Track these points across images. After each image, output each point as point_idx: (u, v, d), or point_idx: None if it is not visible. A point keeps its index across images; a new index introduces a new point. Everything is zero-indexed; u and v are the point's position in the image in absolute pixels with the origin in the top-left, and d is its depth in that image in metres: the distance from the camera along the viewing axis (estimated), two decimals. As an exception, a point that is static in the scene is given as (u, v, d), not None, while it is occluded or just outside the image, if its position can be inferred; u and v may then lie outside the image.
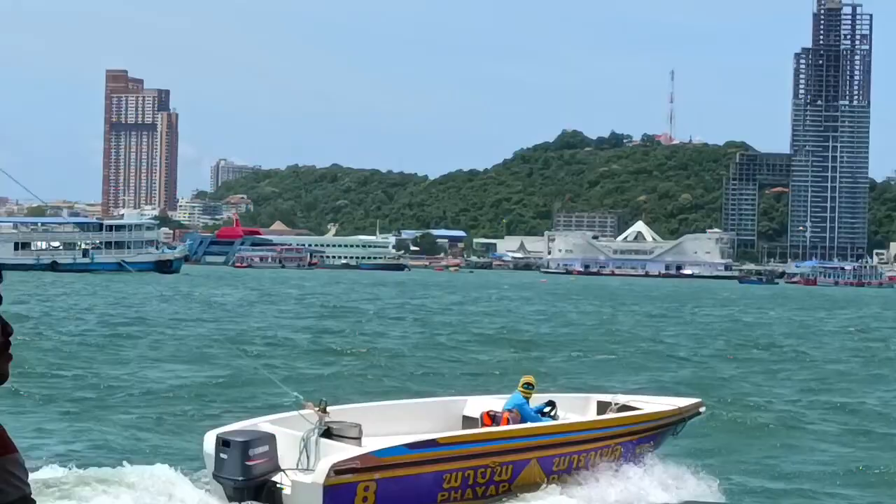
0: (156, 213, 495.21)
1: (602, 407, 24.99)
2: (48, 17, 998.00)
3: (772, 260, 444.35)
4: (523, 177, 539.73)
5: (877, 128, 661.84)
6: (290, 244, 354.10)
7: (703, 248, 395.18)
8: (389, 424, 22.37)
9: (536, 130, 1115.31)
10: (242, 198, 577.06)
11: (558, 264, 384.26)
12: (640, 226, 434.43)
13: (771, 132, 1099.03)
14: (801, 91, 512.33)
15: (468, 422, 23.62)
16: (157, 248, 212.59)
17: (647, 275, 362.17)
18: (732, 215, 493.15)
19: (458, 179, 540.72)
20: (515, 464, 21.54)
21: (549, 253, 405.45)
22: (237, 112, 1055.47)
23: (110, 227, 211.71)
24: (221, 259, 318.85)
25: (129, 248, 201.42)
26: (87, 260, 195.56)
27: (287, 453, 20.37)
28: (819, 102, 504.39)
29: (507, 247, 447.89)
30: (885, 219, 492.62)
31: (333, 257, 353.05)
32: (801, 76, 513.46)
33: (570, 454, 22.41)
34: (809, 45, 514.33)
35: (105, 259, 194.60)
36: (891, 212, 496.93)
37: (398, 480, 19.97)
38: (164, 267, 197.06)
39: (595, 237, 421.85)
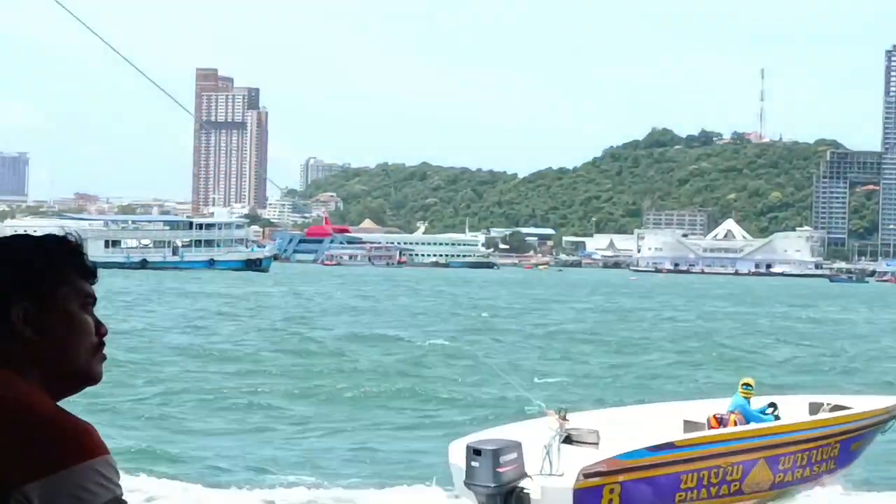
0: (245, 211, 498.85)
1: (814, 408, 25.81)
2: (138, 11, 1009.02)
3: (862, 258, 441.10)
4: (612, 175, 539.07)
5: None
6: (380, 242, 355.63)
7: (794, 247, 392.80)
8: (618, 429, 22.94)
9: (626, 128, 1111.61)
10: (332, 196, 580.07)
11: (648, 262, 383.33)
12: (729, 224, 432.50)
13: (862, 130, 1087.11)
14: (893, 88, 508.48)
15: (689, 425, 24.36)
16: (246, 246, 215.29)
17: (736, 273, 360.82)
18: (823, 213, 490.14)
19: (548, 177, 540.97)
20: (745, 464, 22.51)
21: (639, 251, 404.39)
22: (327, 110, 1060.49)
23: (200, 226, 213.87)
24: (311, 257, 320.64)
25: (218, 246, 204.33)
26: (177, 258, 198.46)
27: (531, 459, 21.05)
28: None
29: (597, 245, 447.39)
30: None
31: (422, 255, 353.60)
32: (893, 73, 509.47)
33: (794, 453, 23.38)
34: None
35: (195, 257, 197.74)
36: None
37: (640, 482, 20.96)
38: (254, 265, 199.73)
39: (685, 235, 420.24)
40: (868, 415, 24.98)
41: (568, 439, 21.71)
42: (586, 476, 20.41)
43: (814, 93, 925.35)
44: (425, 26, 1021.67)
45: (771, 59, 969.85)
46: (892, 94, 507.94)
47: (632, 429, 23.10)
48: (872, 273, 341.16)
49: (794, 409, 25.52)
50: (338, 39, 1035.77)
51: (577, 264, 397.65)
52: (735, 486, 22.34)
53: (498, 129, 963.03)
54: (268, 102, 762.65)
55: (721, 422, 23.99)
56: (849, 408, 25.20)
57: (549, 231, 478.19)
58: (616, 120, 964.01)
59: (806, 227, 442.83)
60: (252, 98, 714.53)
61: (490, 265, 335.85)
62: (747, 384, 24.63)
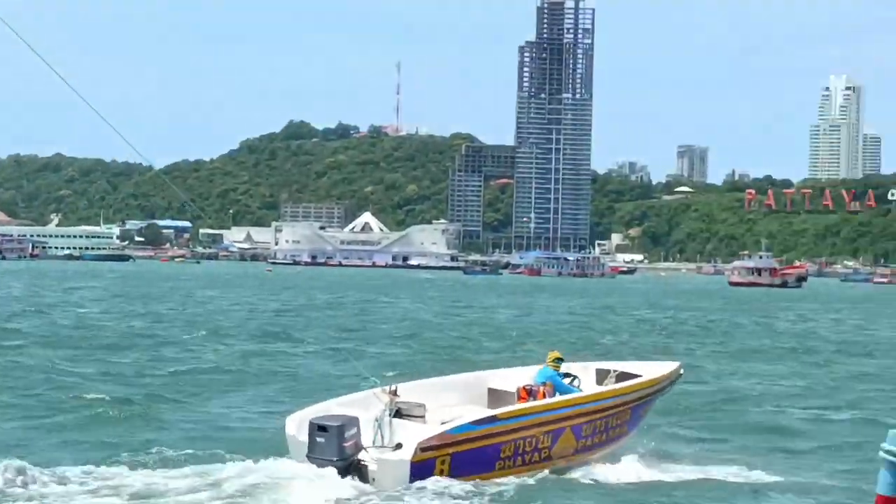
0: None
1: (601, 374, 27.93)
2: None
3: (496, 251, 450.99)
4: (250, 167, 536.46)
5: (599, 121, 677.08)
6: (11, 235, 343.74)
7: (430, 239, 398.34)
8: (427, 399, 24.54)
9: (263, 121, 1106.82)
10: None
11: (286, 255, 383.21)
12: (367, 217, 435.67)
13: (496, 124, 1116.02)
14: (526, 84, 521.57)
15: (494, 394, 26.59)
16: None
17: (374, 265, 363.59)
18: (458, 206, 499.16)
19: (184, 169, 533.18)
20: (554, 432, 24.03)
21: (277, 244, 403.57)
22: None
23: None
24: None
25: None
26: None
27: (364, 433, 22.56)
28: (543, 95, 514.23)
29: (234, 237, 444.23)
30: (606, 210, 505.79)
31: (56, 248, 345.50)
32: (526, 69, 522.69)
33: (594, 420, 25.07)
34: (534, 38, 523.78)
35: None
36: (612, 203, 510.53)
37: (466, 453, 22.41)
38: None
39: (322, 228, 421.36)
40: (656, 381, 27.03)
41: (398, 413, 23.20)
42: (423, 450, 21.76)
43: (449, 87, 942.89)
44: (54, 12, 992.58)
45: (407, 53, 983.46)
46: (525, 89, 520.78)
47: (437, 399, 25.07)
48: (507, 265, 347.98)
49: (584, 377, 27.33)
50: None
51: (215, 257, 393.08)
52: (545, 452, 23.84)
53: (133, 120, 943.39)
54: None
55: (530, 393, 25.36)
56: (637, 375, 27.20)
57: (186, 224, 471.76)
58: (253, 112, 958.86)
59: (442, 220, 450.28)
60: None
61: (125, 258, 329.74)
62: (559, 358, 26.10)
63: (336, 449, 21.82)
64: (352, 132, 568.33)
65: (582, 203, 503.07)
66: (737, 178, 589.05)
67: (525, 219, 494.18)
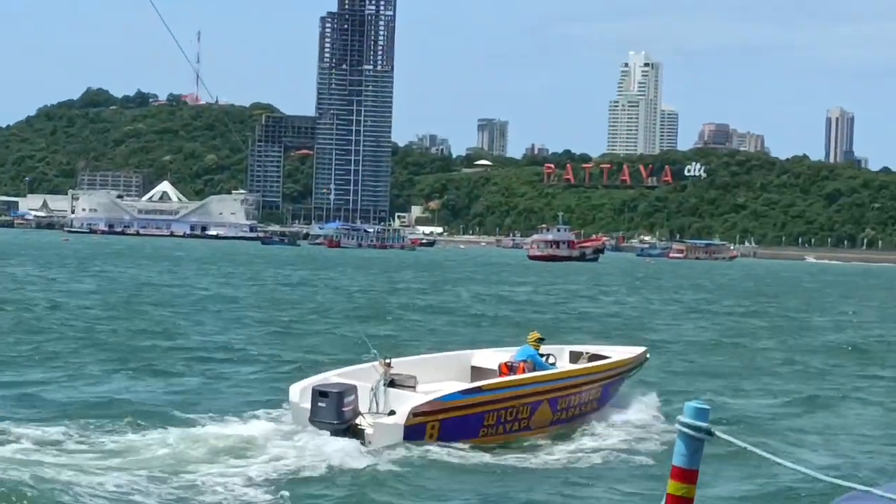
0: None
1: (574, 356, 30.58)
2: None
3: (296, 222, 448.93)
4: (47, 134, 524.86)
5: (400, 93, 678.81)
6: None
7: (229, 210, 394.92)
8: (417, 373, 26.69)
9: (61, 87, 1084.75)
10: None
11: (82, 223, 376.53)
12: (165, 186, 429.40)
13: (297, 95, 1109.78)
14: (327, 55, 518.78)
15: (477, 371, 29.04)
16: None
17: (172, 235, 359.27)
18: (258, 177, 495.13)
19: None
20: (533, 404, 26.49)
21: (73, 212, 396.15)
22: None
23: None
24: None
25: None
26: None
27: (362, 400, 24.95)
28: (344, 67, 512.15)
29: (30, 205, 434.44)
30: (406, 182, 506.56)
31: None
32: (327, 40, 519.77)
33: (568, 395, 27.58)
34: (335, 9, 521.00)
35: None
36: (412, 176, 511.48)
37: (454, 420, 24.80)
38: None
39: (120, 197, 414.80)
40: (626, 363, 30.00)
41: (391, 383, 25.74)
42: (415, 415, 24.16)
43: (250, 57, 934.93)
44: None
45: (207, 22, 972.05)
46: (325, 60, 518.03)
47: (428, 374, 27.31)
48: (306, 236, 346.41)
49: (559, 358, 29.90)
50: None
51: (10, 225, 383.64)
52: (524, 422, 26.28)
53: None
54: None
55: (511, 369, 27.88)
56: (606, 357, 30.01)
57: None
58: (51, 79, 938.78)
59: (241, 191, 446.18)
60: None
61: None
62: (540, 338, 28.76)
63: (336, 413, 24.13)
64: (151, 101, 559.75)
65: (382, 175, 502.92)
66: (536, 152, 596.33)
67: (325, 190, 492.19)
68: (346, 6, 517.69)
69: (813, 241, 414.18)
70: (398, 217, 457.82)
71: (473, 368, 29.27)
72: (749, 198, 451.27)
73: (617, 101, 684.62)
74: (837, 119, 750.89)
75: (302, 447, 23.40)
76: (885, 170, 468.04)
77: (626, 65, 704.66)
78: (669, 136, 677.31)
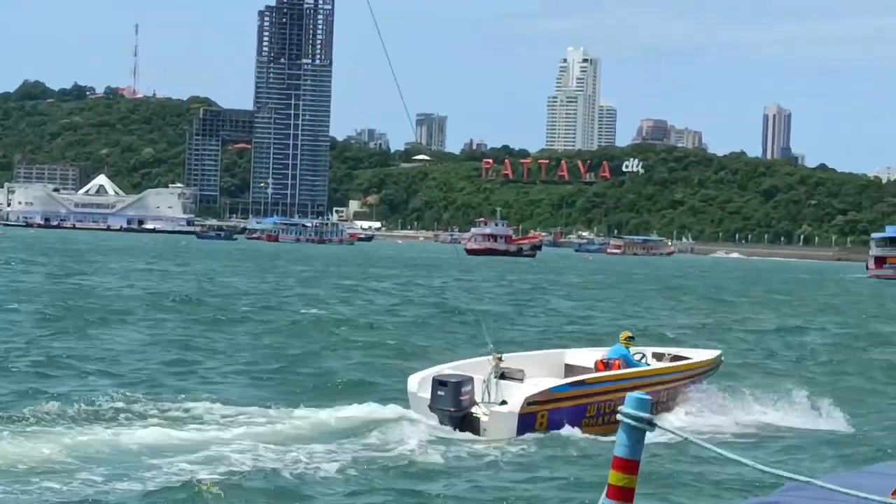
0: None
1: (657, 356, 32.66)
2: None
3: (234, 216, 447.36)
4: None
5: (338, 87, 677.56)
6: None
7: (166, 203, 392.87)
8: (532, 370, 29.01)
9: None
10: None
11: (18, 217, 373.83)
12: (102, 179, 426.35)
13: (235, 89, 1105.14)
14: (265, 49, 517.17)
15: (569, 368, 30.92)
16: None
17: (108, 229, 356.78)
18: (195, 171, 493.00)
19: None
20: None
21: (9, 205, 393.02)
22: None
23: None
24: None
25: None
26: None
27: (476, 390, 27.10)
28: (282, 60, 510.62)
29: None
30: (345, 177, 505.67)
31: None
32: (265, 34, 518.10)
33: (659, 390, 29.51)
34: (274, 2, 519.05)
35: None
36: (350, 170, 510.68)
37: (561, 410, 26.90)
38: None
39: (56, 190, 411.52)
40: (706, 363, 32.46)
41: (502, 376, 27.79)
42: (529, 404, 26.25)
43: (188, 50, 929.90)
44: None
45: (146, 15, 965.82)
46: (264, 54, 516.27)
47: (530, 370, 28.98)
48: (243, 230, 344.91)
49: (644, 359, 31.79)
50: None
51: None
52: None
53: None
54: None
55: (606, 365, 29.95)
56: (687, 358, 32.55)
57: None
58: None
59: (178, 184, 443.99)
60: None
61: None
62: (630, 336, 31.02)
63: (454, 401, 26.37)
64: (88, 94, 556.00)
65: (320, 169, 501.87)
66: (474, 147, 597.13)
67: (263, 184, 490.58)
68: (285, 0, 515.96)
69: (750, 237, 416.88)
70: (336, 211, 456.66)
71: (566, 366, 31.27)
72: (686, 194, 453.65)
73: (555, 97, 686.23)
74: (774, 116, 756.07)
75: (422, 431, 25.70)
76: (822, 166, 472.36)
77: (565, 61, 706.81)
78: (608, 132, 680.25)
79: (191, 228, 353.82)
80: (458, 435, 26.02)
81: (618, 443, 7.01)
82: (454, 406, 26.40)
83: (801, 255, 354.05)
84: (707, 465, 22.74)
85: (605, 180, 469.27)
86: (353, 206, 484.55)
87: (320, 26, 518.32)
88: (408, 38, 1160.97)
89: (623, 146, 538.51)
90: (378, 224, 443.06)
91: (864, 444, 27.44)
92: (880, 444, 27.28)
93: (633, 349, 30.94)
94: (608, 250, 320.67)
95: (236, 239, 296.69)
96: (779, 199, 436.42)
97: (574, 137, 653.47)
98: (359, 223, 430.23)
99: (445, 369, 28.17)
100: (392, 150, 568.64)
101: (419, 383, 27.39)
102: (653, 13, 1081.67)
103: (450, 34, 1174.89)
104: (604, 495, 7.13)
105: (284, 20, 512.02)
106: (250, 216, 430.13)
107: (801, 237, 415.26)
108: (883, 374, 42.78)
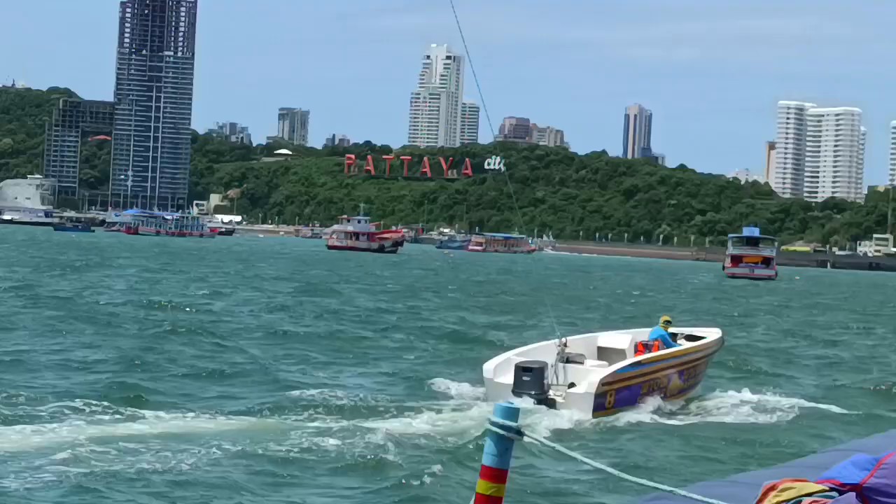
0: None
1: (673, 336, 34.25)
2: None
3: (93, 208, 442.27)
4: None
5: (201, 80, 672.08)
6: None
7: (24, 194, 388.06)
8: (587, 352, 31.64)
9: None
10: None
11: None
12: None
13: (96, 80, 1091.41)
14: (127, 40, 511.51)
15: (602, 351, 32.90)
16: None
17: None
18: (54, 162, 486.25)
19: None
20: (670, 376, 31.68)
21: None
22: None
23: None
24: None
25: None
26: None
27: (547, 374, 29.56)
28: (144, 52, 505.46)
29: None
30: (206, 170, 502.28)
31: None
32: (127, 25, 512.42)
33: (691, 367, 32.76)
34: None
35: None
36: (212, 164, 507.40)
37: (624, 389, 29.61)
38: None
39: None
40: (717, 342, 35.03)
41: (567, 359, 30.31)
42: (603, 384, 28.77)
43: (48, 40, 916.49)
44: None
45: (6, 3, 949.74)
46: (125, 45, 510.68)
47: (586, 351, 31.76)
48: (102, 222, 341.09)
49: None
50: None
51: None
52: (664, 391, 31.26)
53: None
54: None
55: (647, 347, 32.42)
56: (702, 337, 34.91)
57: None
58: None
59: (37, 175, 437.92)
60: None
61: None
62: (668, 320, 33.97)
63: (539, 385, 28.86)
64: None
65: (181, 162, 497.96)
66: (337, 142, 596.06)
67: (122, 176, 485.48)
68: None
69: (610, 235, 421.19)
70: (197, 205, 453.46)
71: (599, 349, 33.19)
72: (548, 192, 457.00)
73: (419, 94, 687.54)
74: (636, 116, 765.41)
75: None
76: (682, 167, 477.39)
77: (429, 57, 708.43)
78: (470, 130, 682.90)
79: (49, 220, 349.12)
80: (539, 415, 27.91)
81: (486, 452, 6.96)
82: (539, 390, 28.77)
83: (661, 255, 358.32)
84: (579, 474, 22.61)
85: (467, 177, 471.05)
86: (214, 199, 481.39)
87: (183, 18, 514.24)
88: (269, 32, 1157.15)
89: (485, 144, 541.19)
90: (239, 218, 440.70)
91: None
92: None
93: (636, 331, 34.19)
94: (470, 247, 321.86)
95: (94, 231, 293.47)
96: (639, 198, 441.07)
97: (437, 134, 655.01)
98: (219, 217, 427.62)
99: (512, 356, 30.53)
100: (254, 144, 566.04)
101: (494, 370, 29.58)
102: (517, 11, 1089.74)
103: (314, 28, 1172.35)
104: None
105: (147, 11, 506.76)
106: (109, 208, 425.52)
107: (661, 237, 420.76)
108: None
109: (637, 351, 32.45)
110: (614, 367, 29.96)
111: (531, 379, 28.81)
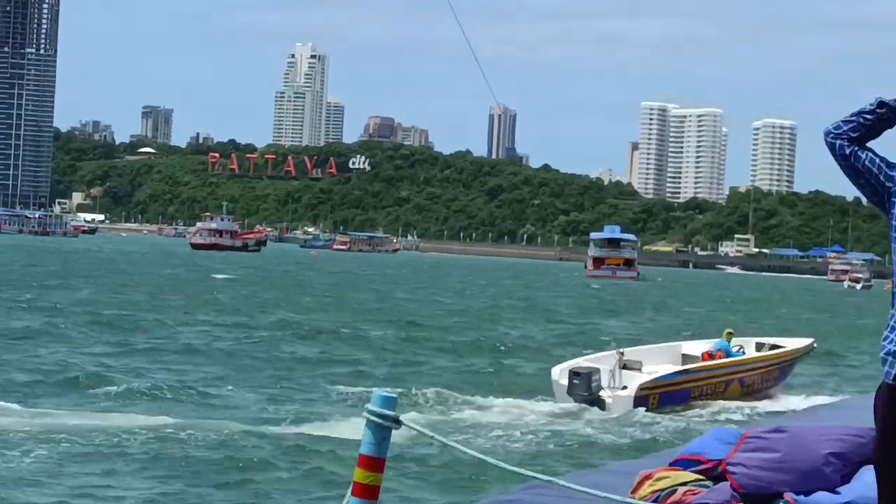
0: None
1: (759, 346, 39.00)
2: None
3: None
4: None
5: (63, 78, 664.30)
6: None
7: None
8: (643, 359, 34.99)
9: None
10: None
11: None
12: None
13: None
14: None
15: (686, 358, 36.44)
16: None
17: None
18: None
19: None
20: (727, 382, 35.37)
21: None
22: None
23: None
24: None
25: None
26: None
27: (603, 379, 32.74)
28: (6, 49, 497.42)
29: None
30: (68, 168, 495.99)
31: None
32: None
33: (752, 375, 36.45)
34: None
35: None
36: (74, 162, 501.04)
37: (668, 393, 33.22)
38: None
39: None
40: (795, 352, 38.72)
41: (625, 366, 33.85)
42: (641, 389, 32.29)
43: None
44: None
45: None
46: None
47: (651, 360, 35.28)
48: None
49: (746, 348, 38.27)
50: None
51: None
52: (720, 395, 34.77)
53: None
54: None
55: (711, 356, 36.19)
56: (782, 346, 38.83)
57: None
58: None
59: None
60: None
61: None
62: (731, 332, 37.80)
63: (587, 388, 32.00)
64: None
65: (43, 161, 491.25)
66: (201, 140, 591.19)
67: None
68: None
69: (475, 235, 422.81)
70: (59, 203, 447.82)
71: (684, 356, 36.82)
72: (413, 191, 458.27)
73: (283, 92, 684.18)
74: (500, 116, 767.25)
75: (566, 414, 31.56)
76: (545, 167, 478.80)
77: (293, 56, 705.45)
78: (335, 129, 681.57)
79: None
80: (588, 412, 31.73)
81: (364, 441, 7.24)
82: (586, 391, 32.11)
83: (525, 254, 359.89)
84: (460, 463, 22.50)
85: (331, 177, 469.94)
86: (77, 198, 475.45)
87: (45, 15, 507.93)
88: (130, 29, 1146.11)
89: (350, 143, 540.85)
90: (102, 217, 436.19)
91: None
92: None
93: (733, 341, 37.38)
94: (334, 246, 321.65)
95: None
96: (503, 198, 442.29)
97: (301, 133, 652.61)
98: (82, 215, 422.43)
99: (581, 361, 34.52)
100: (117, 143, 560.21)
101: (559, 373, 33.13)
102: (380, 9, 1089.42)
103: (176, 24, 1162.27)
104: (349, 493, 7.24)
105: (8, 8, 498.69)
106: None
107: (525, 236, 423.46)
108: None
109: (703, 359, 36.45)
110: (656, 374, 33.70)
111: (580, 382, 32.27)
